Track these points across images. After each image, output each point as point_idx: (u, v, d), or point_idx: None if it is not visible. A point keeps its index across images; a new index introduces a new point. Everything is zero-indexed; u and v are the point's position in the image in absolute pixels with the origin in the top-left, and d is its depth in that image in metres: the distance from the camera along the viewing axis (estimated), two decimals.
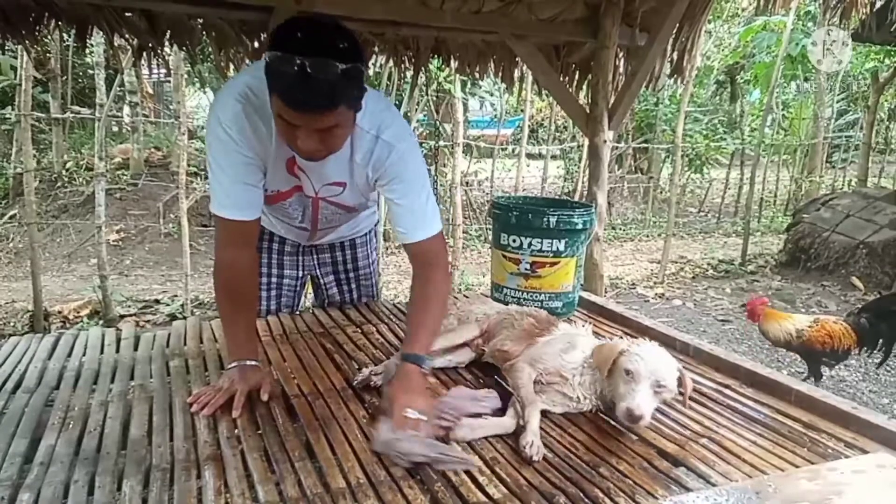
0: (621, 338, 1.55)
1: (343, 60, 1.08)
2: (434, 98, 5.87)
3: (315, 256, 1.87)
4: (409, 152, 1.36)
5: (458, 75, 3.96)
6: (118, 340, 1.64)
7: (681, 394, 1.20)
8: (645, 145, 8.67)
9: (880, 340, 2.84)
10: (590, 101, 2.62)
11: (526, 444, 1.09)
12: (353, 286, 1.94)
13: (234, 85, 1.31)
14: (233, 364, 1.32)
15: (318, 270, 1.89)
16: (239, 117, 1.26)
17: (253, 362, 1.33)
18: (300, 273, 1.87)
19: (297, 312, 1.86)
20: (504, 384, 1.39)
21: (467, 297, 1.84)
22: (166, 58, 2.61)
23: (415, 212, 1.37)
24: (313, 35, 1.10)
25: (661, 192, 8.69)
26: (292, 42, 1.09)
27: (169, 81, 8.27)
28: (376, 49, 2.66)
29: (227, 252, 1.35)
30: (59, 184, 6.33)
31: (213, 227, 1.61)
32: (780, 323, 2.89)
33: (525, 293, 1.89)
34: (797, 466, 1.06)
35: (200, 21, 2.30)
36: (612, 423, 1.23)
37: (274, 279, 1.83)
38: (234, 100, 1.27)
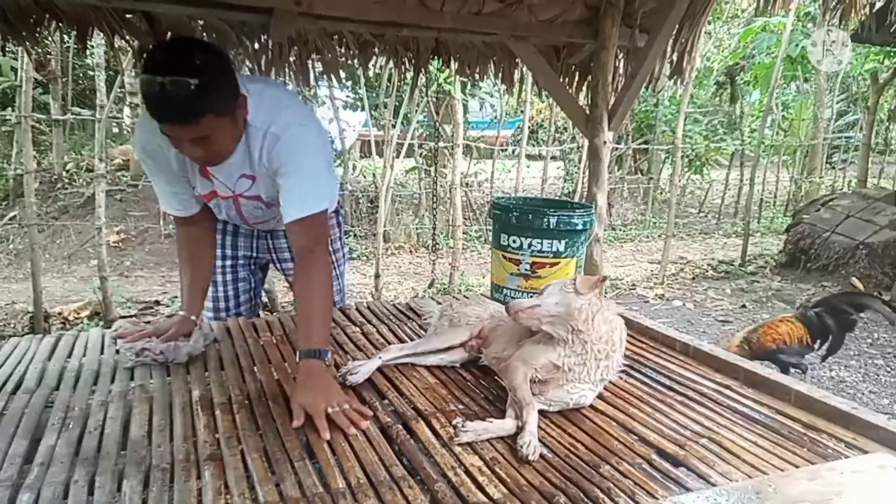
0: None
1: (196, 76, 1.19)
2: (434, 99, 5.87)
3: (270, 241, 1.91)
4: (296, 138, 1.43)
5: (457, 76, 3.96)
6: (115, 341, 1.64)
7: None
8: (645, 146, 8.68)
9: (829, 335, 2.89)
10: (590, 102, 2.62)
11: (523, 444, 1.09)
12: None
13: (142, 113, 1.49)
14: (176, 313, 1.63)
15: (275, 255, 1.92)
16: (147, 143, 1.48)
17: (182, 314, 1.62)
18: (255, 254, 1.92)
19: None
20: (503, 382, 1.39)
21: (467, 297, 1.84)
22: None
23: (293, 192, 1.44)
24: (170, 55, 1.26)
25: (660, 193, 8.70)
26: (153, 64, 1.24)
27: None
28: (376, 50, 2.66)
29: (180, 229, 1.68)
30: (59, 185, 6.33)
31: None
32: (732, 342, 2.97)
33: (525, 294, 1.89)
34: (797, 466, 1.06)
35: (201, 22, 2.30)
36: (612, 422, 1.23)
37: (228, 261, 1.89)
38: (140, 128, 1.50)
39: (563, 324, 1.25)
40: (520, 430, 1.14)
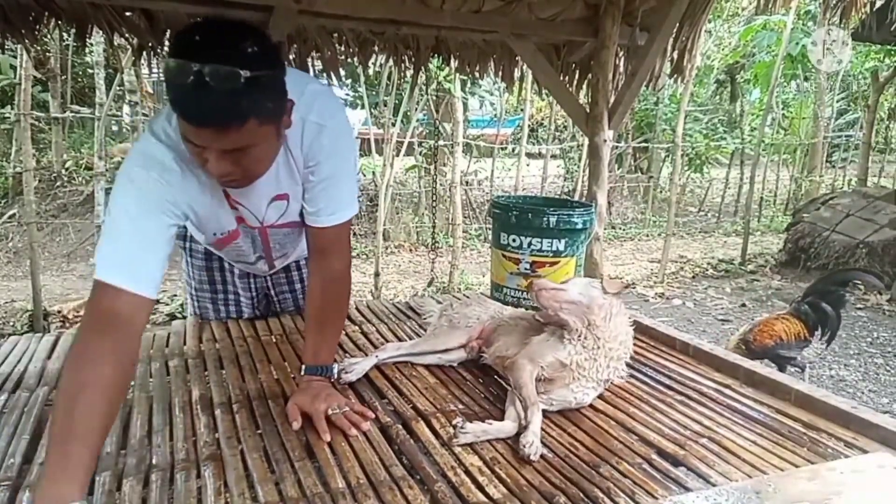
0: None
1: (249, 67, 0.93)
2: (434, 97, 5.86)
3: (269, 279, 1.75)
4: (340, 130, 1.23)
5: (457, 74, 3.96)
6: None
7: None
8: (645, 145, 8.68)
9: (826, 321, 2.92)
10: (590, 100, 2.61)
11: (526, 444, 1.08)
12: None
13: (162, 118, 1.16)
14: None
15: (272, 291, 1.78)
16: (166, 155, 1.11)
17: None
18: (253, 295, 1.77)
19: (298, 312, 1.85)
20: (505, 383, 1.39)
21: (467, 297, 1.84)
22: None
23: (333, 192, 1.24)
24: (213, 38, 0.96)
25: (660, 192, 8.70)
26: (190, 47, 0.94)
27: None
28: (376, 48, 2.66)
29: (97, 328, 1.00)
30: (58, 183, 6.33)
31: None
32: (730, 344, 3.00)
33: (525, 293, 1.89)
34: (797, 466, 1.06)
35: (200, 20, 2.30)
36: (612, 422, 1.23)
37: (231, 295, 1.74)
38: (158, 137, 1.12)
39: (581, 315, 1.25)
40: (522, 429, 1.14)
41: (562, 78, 2.80)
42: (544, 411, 1.23)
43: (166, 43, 2.33)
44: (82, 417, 0.92)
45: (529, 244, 1.85)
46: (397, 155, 5.84)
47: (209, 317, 1.76)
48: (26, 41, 2.23)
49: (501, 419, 1.20)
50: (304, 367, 1.28)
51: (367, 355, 1.52)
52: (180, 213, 1.14)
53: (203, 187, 1.17)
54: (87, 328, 1.03)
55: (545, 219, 1.81)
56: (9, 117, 5.38)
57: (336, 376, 1.33)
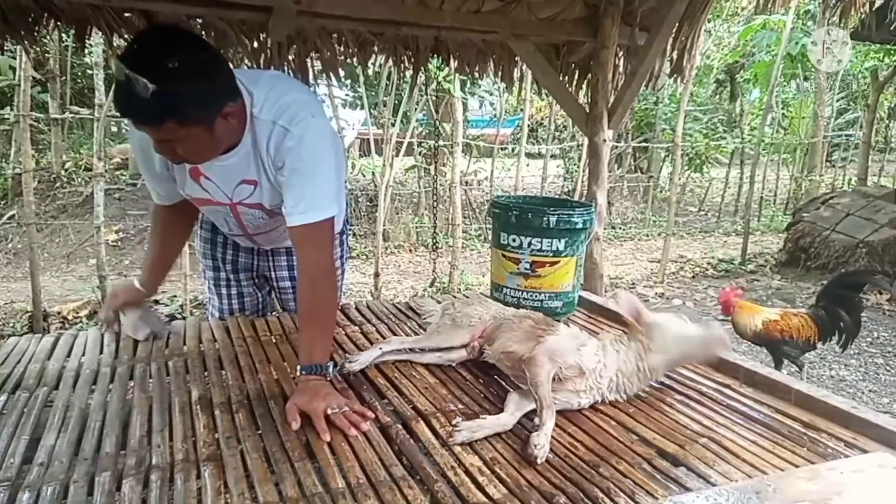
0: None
1: (161, 81, 1.10)
2: (433, 97, 5.86)
3: (270, 260, 1.83)
4: (308, 133, 1.32)
5: (457, 75, 3.96)
6: (117, 340, 1.64)
7: None
8: (645, 144, 8.68)
9: (842, 325, 2.87)
10: (589, 100, 2.61)
11: (536, 445, 1.08)
12: None
13: None
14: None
15: (273, 273, 1.84)
16: (135, 131, 1.31)
17: (135, 283, 1.62)
18: (256, 270, 1.85)
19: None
20: (503, 382, 1.39)
21: (467, 296, 1.84)
22: None
23: (300, 192, 1.34)
24: (143, 50, 1.15)
25: (660, 192, 8.70)
26: (127, 52, 1.14)
27: None
28: (375, 49, 2.66)
29: (159, 209, 1.60)
30: (57, 184, 6.33)
31: None
32: (751, 316, 2.92)
33: (525, 293, 1.89)
34: (797, 466, 1.06)
35: (199, 21, 2.30)
36: (612, 422, 1.23)
37: (231, 275, 1.83)
38: None
39: (645, 338, 1.26)
40: (535, 428, 1.14)
41: (561, 78, 2.80)
42: None
43: None
44: (170, 244, 1.66)
45: (529, 244, 1.84)
46: (397, 155, 5.84)
47: (214, 302, 1.86)
48: (26, 42, 2.23)
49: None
50: (299, 366, 1.29)
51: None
52: (162, 167, 1.45)
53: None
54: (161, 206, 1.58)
55: (545, 219, 1.81)
56: (8, 118, 5.37)
57: (340, 367, 1.36)
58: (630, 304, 1.32)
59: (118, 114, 1.26)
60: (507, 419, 1.17)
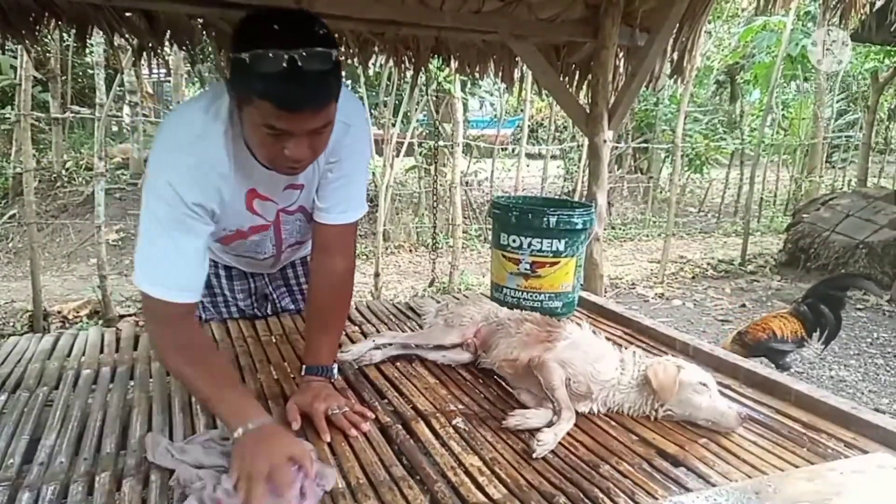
0: (624, 344, 1.55)
1: (331, 47, 0.98)
2: (434, 98, 5.87)
3: (266, 279, 1.74)
4: (363, 130, 1.30)
5: (457, 75, 3.96)
6: (118, 340, 1.64)
7: None
8: (645, 145, 8.68)
9: (823, 321, 2.96)
10: (590, 100, 2.61)
11: (541, 440, 1.08)
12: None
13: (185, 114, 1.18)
14: (240, 430, 1.00)
15: (269, 287, 1.77)
16: (195, 181, 1.09)
17: (268, 421, 1.04)
18: (252, 301, 1.77)
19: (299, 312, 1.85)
20: (503, 382, 1.39)
21: (466, 296, 1.84)
22: (166, 58, 2.61)
23: (345, 190, 1.28)
24: (292, 25, 0.98)
25: (660, 192, 8.71)
26: (272, 36, 0.95)
27: (169, 81, 8.28)
28: (376, 49, 2.66)
29: (178, 325, 1.12)
30: (58, 183, 6.34)
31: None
32: (726, 342, 3.05)
33: (525, 293, 1.89)
34: (797, 466, 1.06)
35: (200, 21, 2.30)
36: (612, 422, 1.23)
37: (230, 296, 1.72)
38: (188, 164, 1.09)
39: (674, 406, 1.21)
40: (549, 423, 1.15)
41: (562, 78, 2.80)
42: None
43: (166, 43, 2.33)
44: (222, 371, 1.13)
45: (529, 244, 1.84)
46: (397, 155, 5.84)
47: (212, 318, 1.75)
48: (26, 42, 2.23)
49: (502, 419, 1.20)
50: (304, 367, 1.28)
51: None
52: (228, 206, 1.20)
53: (237, 192, 1.20)
54: (157, 322, 1.14)
55: (545, 219, 1.81)
56: (9, 118, 5.38)
57: (336, 378, 1.34)
58: (669, 378, 1.21)
59: (290, 109, 0.98)
60: (547, 414, 1.19)
